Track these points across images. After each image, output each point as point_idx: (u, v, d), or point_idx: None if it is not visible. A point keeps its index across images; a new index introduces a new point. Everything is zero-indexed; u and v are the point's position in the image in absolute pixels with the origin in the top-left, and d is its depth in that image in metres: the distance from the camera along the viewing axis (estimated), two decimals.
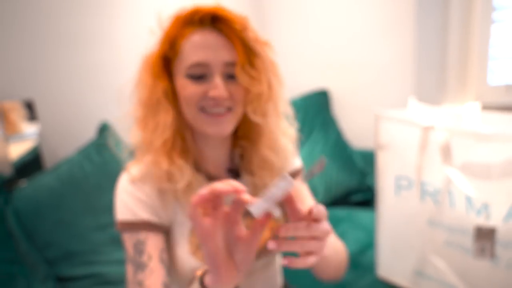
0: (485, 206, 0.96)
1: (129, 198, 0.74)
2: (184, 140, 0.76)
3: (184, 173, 0.73)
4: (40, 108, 1.47)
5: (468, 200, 1.00)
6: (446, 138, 0.95)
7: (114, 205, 0.76)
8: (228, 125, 0.73)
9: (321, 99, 2.04)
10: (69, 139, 1.57)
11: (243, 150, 0.83)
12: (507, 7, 1.70)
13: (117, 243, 1.23)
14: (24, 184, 1.25)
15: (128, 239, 0.73)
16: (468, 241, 1.01)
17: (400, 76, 1.90)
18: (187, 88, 0.71)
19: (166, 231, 0.77)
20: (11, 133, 1.36)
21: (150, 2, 1.78)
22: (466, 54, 1.88)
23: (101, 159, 1.36)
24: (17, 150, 1.37)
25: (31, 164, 1.41)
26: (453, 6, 1.83)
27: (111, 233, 1.25)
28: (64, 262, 1.16)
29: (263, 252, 0.81)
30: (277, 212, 0.54)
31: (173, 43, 0.72)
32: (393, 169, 1.16)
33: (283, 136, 0.80)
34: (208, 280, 0.58)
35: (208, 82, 0.71)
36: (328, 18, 2.07)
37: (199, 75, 0.71)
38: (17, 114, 1.38)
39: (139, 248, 0.71)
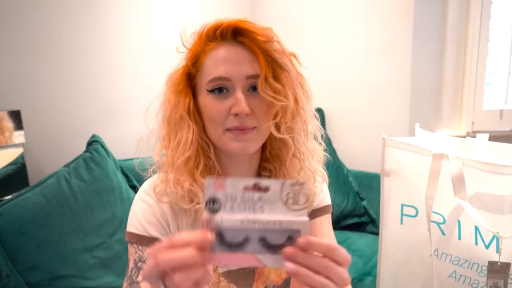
0: (496, 239, 0.93)
1: (143, 211, 0.72)
2: (208, 158, 0.74)
3: None
4: (26, 119, 1.39)
5: (478, 232, 0.97)
6: (460, 168, 0.92)
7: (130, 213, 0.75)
8: (253, 143, 0.70)
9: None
10: (56, 152, 1.49)
11: (270, 173, 0.78)
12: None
13: (107, 267, 1.16)
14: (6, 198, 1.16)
15: (132, 253, 0.72)
16: (475, 274, 0.98)
17: (396, 99, 1.89)
18: (211, 106, 0.69)
19: None
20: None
21: (144, 12, 1.73)
22: (461, 80, 1.90)
23: (90, 176, 1.29)
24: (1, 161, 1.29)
25: (15, 177, 1.33)
26: (449, 32, 1.86)
27: (100, 256, 1.17)
28: (48, 287, 1.07)
29: None
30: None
31: (195, 59, 0.71)
32: (399, 197, 1.13)
33: (312, 157, 0.76)
34: None
35: (230, 98, 0.68)
36: (326, 37, 2.06)
37: (220, 89, 0.68)
38: (3, 125, 1.30)
39: (138, 266, 0.70)
